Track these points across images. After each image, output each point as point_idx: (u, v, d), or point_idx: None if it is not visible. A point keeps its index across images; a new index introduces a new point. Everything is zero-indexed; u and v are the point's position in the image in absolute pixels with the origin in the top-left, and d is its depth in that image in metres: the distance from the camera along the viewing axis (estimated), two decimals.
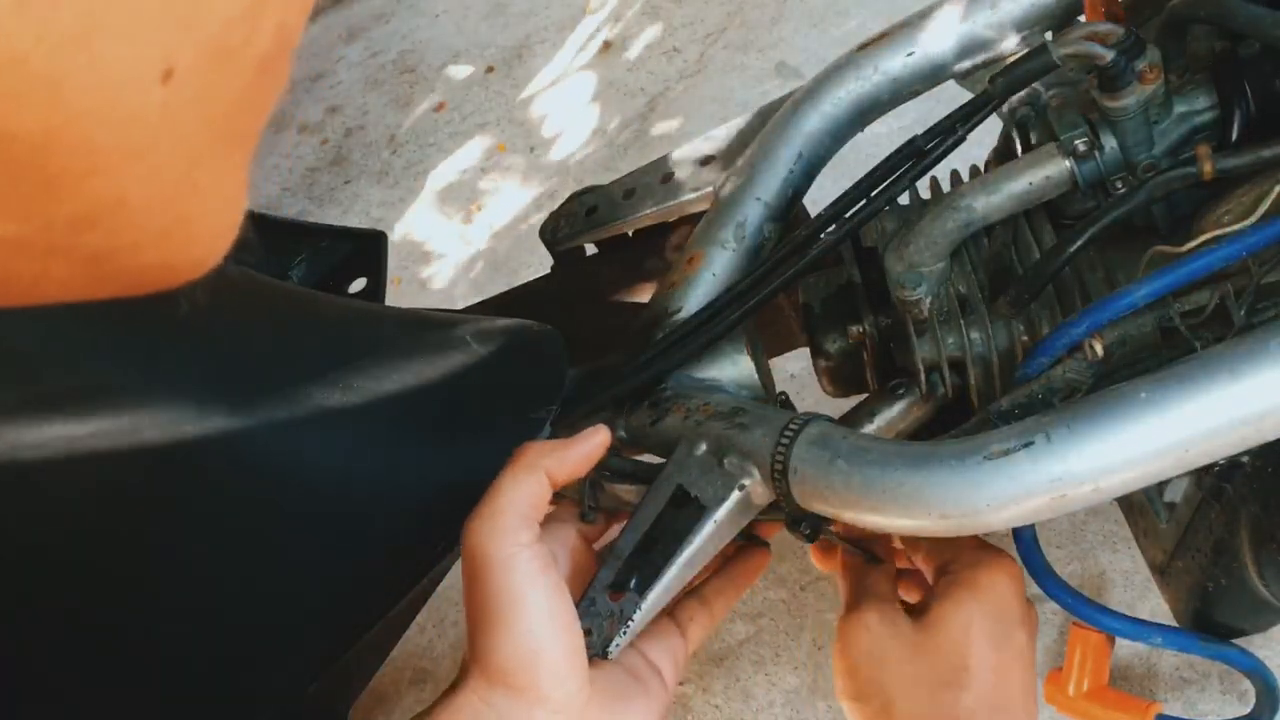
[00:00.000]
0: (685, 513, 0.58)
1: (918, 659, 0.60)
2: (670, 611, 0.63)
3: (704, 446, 0.60)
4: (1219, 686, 0.97)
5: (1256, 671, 0.79)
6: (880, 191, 0.67)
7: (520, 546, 0.52)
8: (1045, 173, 0.63)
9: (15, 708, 0.50)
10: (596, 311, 0.88)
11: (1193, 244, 0.57)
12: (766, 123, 0.78)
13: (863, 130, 0.77)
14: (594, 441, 0.58)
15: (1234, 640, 0.77)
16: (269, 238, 0.89)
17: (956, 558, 0.64)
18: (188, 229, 0.28)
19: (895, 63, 0.73)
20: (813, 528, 0.60)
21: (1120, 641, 0.91)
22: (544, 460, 0.55)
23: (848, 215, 0.68)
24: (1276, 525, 0.65)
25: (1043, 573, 0.70)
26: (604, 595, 0.57)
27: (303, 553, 0.58)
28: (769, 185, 0.74)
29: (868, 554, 0.67)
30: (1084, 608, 0.73)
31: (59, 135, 0.22)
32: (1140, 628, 0.76)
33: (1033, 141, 0.66)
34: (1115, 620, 0.74)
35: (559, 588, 0.53)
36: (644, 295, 0.85)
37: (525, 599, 0.51)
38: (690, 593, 0.65)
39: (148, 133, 0.24)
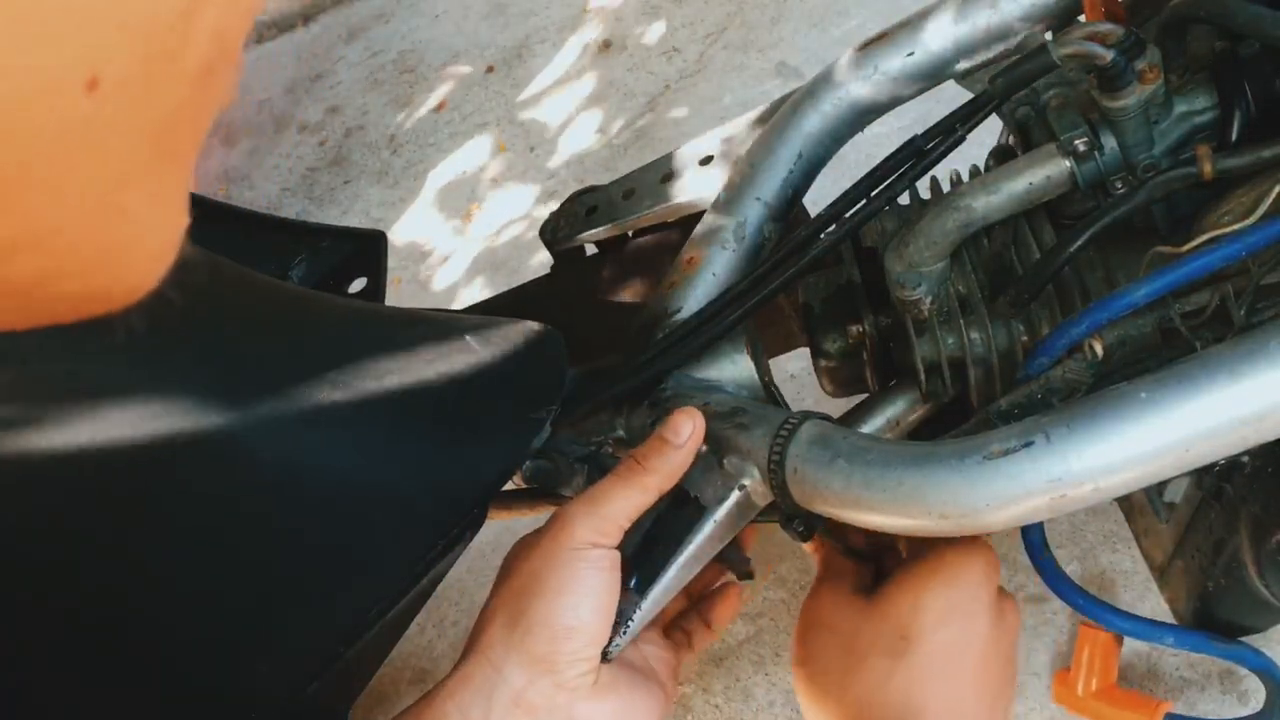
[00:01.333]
0: (685, 513, 0.58)
1: (862, 628, 0.60)
2: (664, 631, 0.65)
3: (704, 446, 0.60)
4: (1219, 687, 0.97)
5: (1268, 671, 0.78)
6: (880, 191, 0.67)
7: (598, 546, 0.56)
8: (1045, 173, 0.63)
9: (15, 707, 0.50)
10: (596, 311, 0.88)
11: (1193, 244, 0.57)
12: (767, 123, 0.78)
13: (863, 130, 0.77)
14: (694, 442, 0.59)
15: (1243, 640, 0.77)
16: (269, 238, 0.89)
17: (933, 543, 0.63)
18: (120, 255, 0.26)
19: (895, 63, 0.73)
20: (806, 525, 0.60)
21: (1124, 640, 0.91)
22: (657, 480, 0.58)
23: (848, 215, 0.68)
24: (1276, 525, 0.65)
25: (1053, 575, 0.70)
26: None
27: (302, 552, 0.58)
28: (769, 185, 0.74)
29: (851, 551, 0.67)
30: (1095, 609, 0.73)
31: None
32: (1152, 628, 0.76)
33: (1033, 141, 0.66)
34: (1127, 621, 0.74)
35: (613, 590, 0.56)
36: (644, 295, 0.85)
37: (585, 584, 0.55)
38: (671, 624, 0.67)
39: (72, 148, 0.22)
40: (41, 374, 0.46)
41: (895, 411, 0.72)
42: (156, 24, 0.22)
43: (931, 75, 0.73)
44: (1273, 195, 0.56)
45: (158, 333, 0.52)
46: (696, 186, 0.81)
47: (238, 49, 0.26)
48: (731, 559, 0.65)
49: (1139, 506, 0.81)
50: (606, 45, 1.90)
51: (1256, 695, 0.92)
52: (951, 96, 0.73)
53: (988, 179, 0.65)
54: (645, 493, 0.58)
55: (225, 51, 0.25)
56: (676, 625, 0.67)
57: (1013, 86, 0.63)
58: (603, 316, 0.88)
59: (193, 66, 0.24)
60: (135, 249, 0.26)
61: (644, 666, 0.60)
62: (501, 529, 1.00)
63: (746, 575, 0.67)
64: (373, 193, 1.92)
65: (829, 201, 0.69)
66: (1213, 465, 0.68)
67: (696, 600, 0.68)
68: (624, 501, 0.57)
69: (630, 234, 0.88)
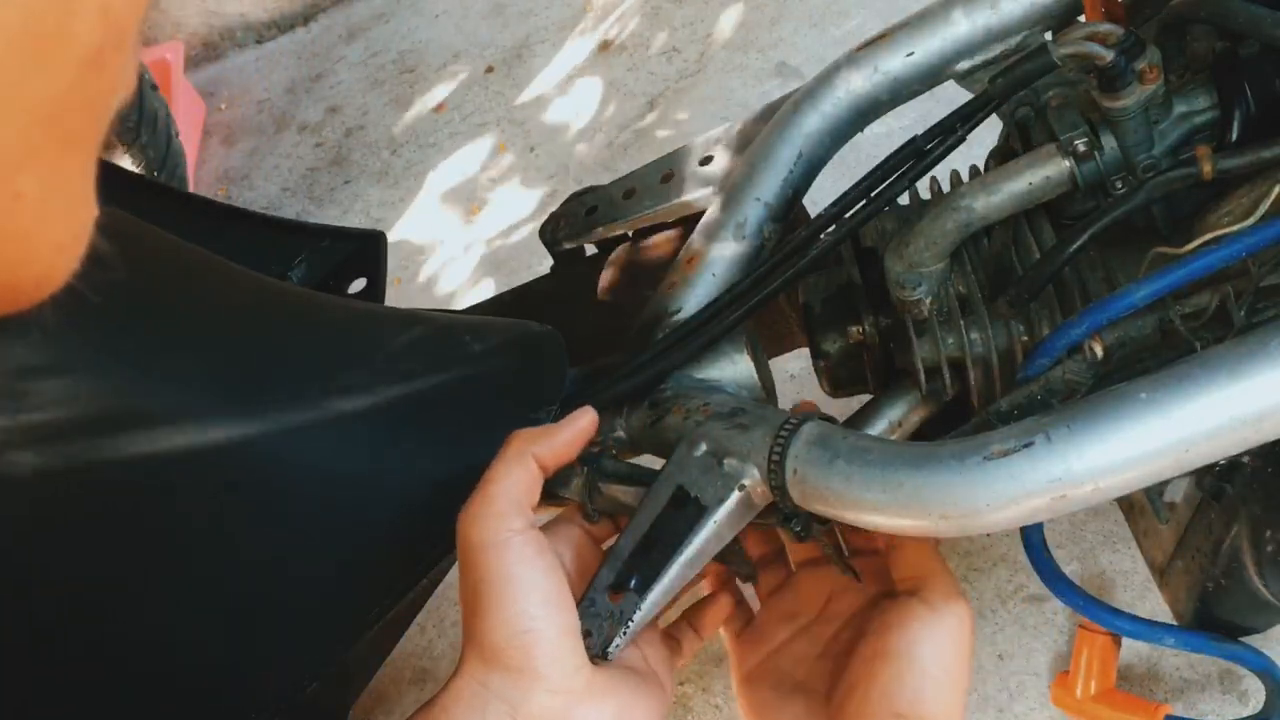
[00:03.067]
0: (685, 513, 0.58)
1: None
2: (665, 631, 0.64)
3: (704, 447, 0.60)
4: (1220, 687, 0.97)
5: (1267, 671, 0.78)
6: (880, 191, 0.67)
7: (513, 532, 0.53)
8: (1045, 173, 0.63)
9: (16, 707, 0.50)
10: (596, 311, 0.88)
11: (1193, 245, 0.57)
12: (767, 123, 0.78)
13: (863, 130, 0.77)
14: (580, 424, 0.59)
15: (1243, 640, 0.77)
16: (269, 237, 0.89)
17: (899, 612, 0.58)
18: (20, 244, 0.25)
19: (895, 63, 0.73)
20: (804, 525, 0.60)
21: (1122, 642, 0.91)
22: (532, 447, 0.56)
23: (848, 215, 0.68)
24: (1276, 525, 0.65)
25: (1053, 576, 0.70)
26: (604, 596, 0.57)
27: (303, 553, 0.58)
28: (769, 185, 0.74)
29: (850, 569, 0.66)
30: (1095, 609, 0.73)
31: None
32: (1152, 629, 0.76)
33: (1033, 141, 0.66)
34: (1127, 622, 0.74)
35: (553, 570, 0.53)
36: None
37: (518, 580, 0.52)
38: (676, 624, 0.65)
39: None
40: (39, 381, 0.46)
41: (897, 414, 0.72)
42: (28, 8, 0.22)
43: (931, 75, 0.73)
44: (1273, 195, 0.56)
45: (154, 333, 0.52)
46: (696, 186, 0.81)
47: (130, 32, 0.25)
48: (734, 561, 0.65)
49: (1139, 506, 0.81)
50: (606, 45, 1.90)
51: (1256, 695, 0.92)
52: (951, 96, 0.73)
53: (988, 179, 0.65)
54: (522, 462, 0.55)
55: (116, 35, 0.24)
56: (668, 632, 0.66)
57: (1013, 86, 0.63)
58: (603, 316, 0.88)
59: (79, 49, 0.24)
60: (36, 238, 0.25)
61: (643, 668, 0.59)
62: None
63: (750, 577, 0.67)
64: (373, 193, 1.92)
65: (829, 201, 0.69)
66: (1213, 465, 0.68)
67: (684, 610, 0.67)
68: (510, 480, 0.55)
69: (630, 234, 0.88)
